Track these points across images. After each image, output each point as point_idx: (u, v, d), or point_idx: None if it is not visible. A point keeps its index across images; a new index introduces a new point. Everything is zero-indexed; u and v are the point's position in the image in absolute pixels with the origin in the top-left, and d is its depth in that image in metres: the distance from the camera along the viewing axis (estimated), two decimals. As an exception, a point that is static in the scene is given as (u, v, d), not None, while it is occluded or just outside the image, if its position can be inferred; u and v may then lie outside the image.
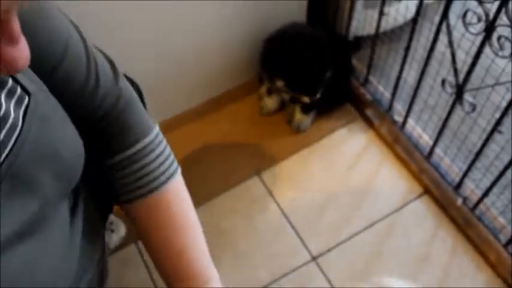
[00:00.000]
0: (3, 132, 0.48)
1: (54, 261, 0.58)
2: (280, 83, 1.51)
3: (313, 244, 1.46)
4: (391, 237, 1.47)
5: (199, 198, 1.54)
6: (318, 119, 1.70)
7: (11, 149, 0.49)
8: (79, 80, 0.62)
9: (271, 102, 1.69)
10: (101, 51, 0.68)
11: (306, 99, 1.54)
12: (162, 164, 0.70)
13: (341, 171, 1.60)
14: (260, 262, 1.43)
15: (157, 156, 0.70)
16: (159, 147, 0.71)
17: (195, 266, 0.73)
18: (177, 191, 0.73)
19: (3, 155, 0.48)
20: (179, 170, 0.74)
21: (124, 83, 0.69)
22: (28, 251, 0.53)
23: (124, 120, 0.68)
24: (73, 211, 0.65)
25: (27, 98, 0.52)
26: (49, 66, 0.58)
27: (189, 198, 0.76)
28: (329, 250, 1.45)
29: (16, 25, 0.35)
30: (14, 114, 0.50)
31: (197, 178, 1.60)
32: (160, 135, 0.73)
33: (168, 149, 0.73)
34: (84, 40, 0.64)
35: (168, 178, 0.71)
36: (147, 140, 0.70)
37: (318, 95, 1.52)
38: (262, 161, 1.63)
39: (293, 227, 1.49)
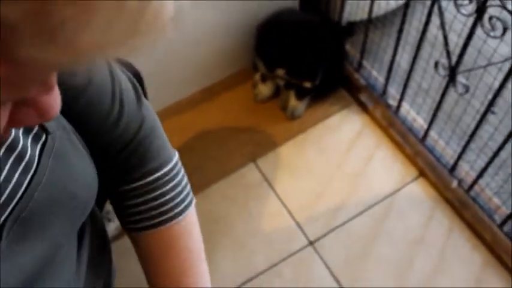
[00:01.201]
0: (20, 169, 0.46)
1: None
2: (280, 72, 1.51)
3: (309, 229, 1.47)
4: (387, 220, 1.48)
5: (195, 187, 1.53)
6: (312, 105, 1.70)
7: (25, 190, 0.46)
8: (102, 110, 0.58)
9: (265, 89, 1.69)
10: (125, 71, 0.63)
11: (308, 84, 1.54)
12: (178, 194, 0.66)
13: (336, 156, 1.60)
14: (257, 248, 1.44)
15: (175, 186, 0.66)
16: (177, 176, 0.66)
17: None
18: (189, 225, 0.69)
19: (17, 197, 0.46)
20: (194, 201, 0.70)
21: (146, 109, 0.64)
22: None
23: (145, 149, 0.63)
24: (80, 243, 0.62)
25: (44, 135, 0.49)
26: (70, 96, 0.53)
27: (199, 232, 0.71)
28: (326, 234, 1.46)
29: (54, 75, 0.33)
30: (31, 152, 0.48)
31: (193, 166, 1.60)
32: (180, 164, 0.68)
33: (186, 179, 0.68)
34: (109, 64, 0.58)
35: (183, 210, 0.67)
36: (166, 169, 0.65)
37: (318, 80, 1.53)
38: (258, 148, 1.64)
39: (289, 213, 1.50)
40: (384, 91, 1.63)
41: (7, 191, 0.45)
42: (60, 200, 0.50)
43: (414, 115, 1.59)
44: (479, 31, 1.17)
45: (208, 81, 1.74)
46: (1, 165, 0.45)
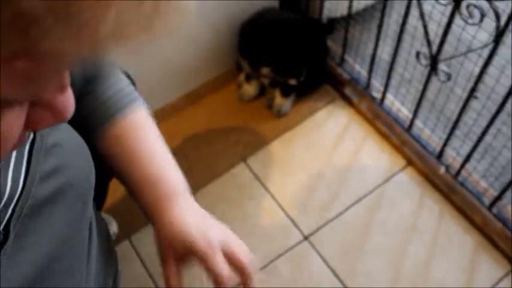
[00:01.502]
0: (11, 168, 0.47)
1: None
2: (265, 70, 1.53)
3: (304, 223, 1.49)
4: (379, 210, 1.51)
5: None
6: (298, 102, 1.72)
7: (22, 188, 0.47)
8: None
9: (251, 89, 1.71)
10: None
11: (293, 81, 1.56)
12: (119, 91, 0.72)
13: (325, 150, 1.62)
14: (254, 246, 1.44)
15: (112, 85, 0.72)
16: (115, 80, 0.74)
17: (163, 173, 0.72)
18: (140, 119, 0.73)
19: (17, 195, 0.47)
20: (140, 103, 0.75)
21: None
22: None
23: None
24: (89, 240, 0.62)
25: (32, 134, 0.50)
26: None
27: (153, 125, 0.75)
28: (320, 228, 1.48)
29: (67, 73, 0.33)
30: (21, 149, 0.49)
31: (184, 170, 1.60)
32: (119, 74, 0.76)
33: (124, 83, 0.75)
34: None
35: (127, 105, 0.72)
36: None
37: (303, 77, 1.55)
38: (247, 147, 1.65)
39: (283, 209, 1.52)
40: (368, 84, 1.66)
41: (7, 191, 0.46)
42: (58, 192, 0.51)
43: (399, 106, 1.62)
44: (457, 19, 1.21)
45: (192, 84, 1.74)
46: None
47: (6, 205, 0.46)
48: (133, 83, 0.87)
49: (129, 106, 0.72)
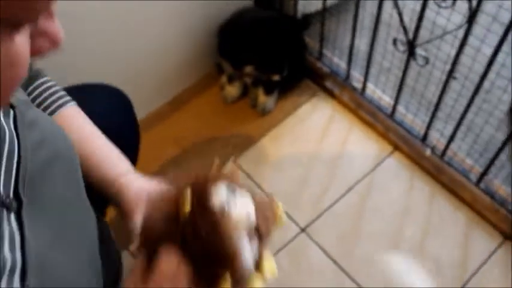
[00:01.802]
0: (7, 141, 0.53)
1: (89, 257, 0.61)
2: (249, 69, 1.55)
3: (299, 216, 1.51)
4: (371, 196, 1.54)
5: (182, 194, 1.57)
6: (281, 99, 1.75)
7: (19, 154, 0.53)
8: None
9: (234, 90, 1.73)
10: None
11: (276, 77, 1.59)
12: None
13: (312, 143, 1.65)
14: (253, 243, 1.47)
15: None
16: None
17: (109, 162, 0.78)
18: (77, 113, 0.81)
19: (15, 159, 0.52)
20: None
21: None
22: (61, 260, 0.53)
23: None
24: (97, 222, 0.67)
25: (12, 111, 0.57)
26: None
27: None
28: (315, 219, 1.51)
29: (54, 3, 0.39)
30: (8, 126, 0.54)
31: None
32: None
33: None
34: None
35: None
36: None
37: (286, 71, 1.58)
38: (235, 148, 1.67)
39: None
40: (348, 75, 1.70)
41: (4, 153, 0.52)
42: (51, 160, 0.57)
43: (380, 94, 1.66)
44: (431, 4, 1.25)
45: (174, 91, 1.75)
46: None
47: (8, 171, 0.51)
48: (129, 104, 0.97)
49: (68, 102, 0.81)
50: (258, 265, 0.62)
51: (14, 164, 0.52)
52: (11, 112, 0.56)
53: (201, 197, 0.58)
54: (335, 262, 1.43)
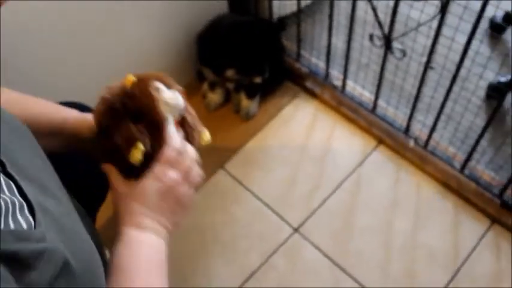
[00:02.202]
0: None
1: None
2: (230, 73, 1.56)
3: (291, 217, 1.52)
4: (360, 191, 1.56)
5: (173, 204, 1.57)
6: (264, 103, 1.76)
7: None
8: None
9: (216, 97, 1.74)
10: None
11: (258, 79, 1.60)
12: None
13: (298, 143, 1.67)
14: (248, 247, 1.48)
15: None
16: None
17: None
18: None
19: None
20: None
21: None
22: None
23: None
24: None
25: None
26: None
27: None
28: (307, 218, 1.52)
29: None
30: None
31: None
32: None
33: None
34: None
35: None
36: None
37: (267, 73, 1.59)
38: (222, 154, 1.68)
39: (269, 207, 1.55)
40: (327, 74, 1.72)
41: None
42: (10, 134, 0.60)
43: (360, 90, 1.68)
44: (403, -2, 1.28)
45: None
46: None
47: None
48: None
49: None
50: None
51: None
52: None
53: (142, 80, 0.77)
54: (330, 259, 1.44)
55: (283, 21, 1.76)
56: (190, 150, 0.80)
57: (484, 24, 1.79)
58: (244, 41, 1.53)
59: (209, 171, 1.64)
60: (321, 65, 1.74)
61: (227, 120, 1.75)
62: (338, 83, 1.70)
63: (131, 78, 0.78)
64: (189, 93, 1.80)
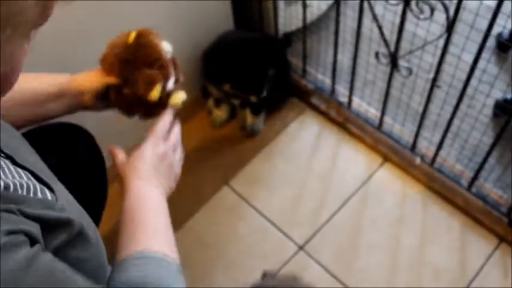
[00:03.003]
0: None
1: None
2: (227, 87, 1.56)
3: (296, 234, 1.51)
4: (366, 208, 1.55)
5: (178, 222, 1.56)
6: (269, 119, 1.76)
7: None
8: None
9: (221, 113, 1.74)
10: None
11: (254, 99, 1.60)
12: None
13: (303, 160, 1.66)
14: (252, 265, 1.47)
15: None
16: None
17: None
18: None
19: None
20: None
21: None
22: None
23: None
24: None
25: None
26: None
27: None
28: (313, 236, 1.51)
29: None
30: None
31: (169, 204, 1.61)
32: None
33: None
34: None
35: None
36: None
37: (264, 93, 1.58)
38: (227, 170, 1.67)
39: (273, 224, 1.54)
40: (333, 90, 1.72)
41: None
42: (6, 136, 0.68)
43: (366, 106, 1.68)
44: (410, 16, 1.28)
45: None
46: None
47: None
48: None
49: None
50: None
51: None
52: None
53: (143, 34, 0.95)
54: (336, 278, 1.43)
55: (289, 37, 1.77)
56: (177, 131, 0.95)
57: (491, 43, 1.79)
58: (243, 57, 1.52)
59: (214, 188, 1.64)
60: (327, 81, 1.74)
61: (232, 137, 1.75)
62: (344, 99, 1.70)
63: (133, 33, 0.95)
64: (195, 109, 1.82)
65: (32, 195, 0.56)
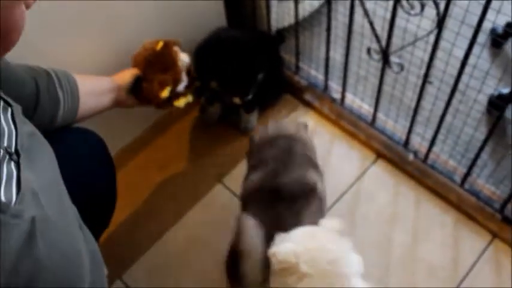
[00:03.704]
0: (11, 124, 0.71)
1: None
2: (214, 84, 1.55)
3: (289, 232, 1.51)
4: (359, 205, 1.55)
5: (172, 219, 1.57)
6: (262, 116, 1.76)
7: (16, 137, 0.69)
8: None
9: (214, 111, 1.73)
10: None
11: (237, 101, 1.58)
12: None
13: (297, 157, 1.65)
14: (245, 262, 1.46)
15: None
16: None
17: None
18: None
19: (14, 140, 0.69)
20: None
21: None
22: None
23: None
24: None
25: (9, 108, 0.73)
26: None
27: None
28: (306, 233, 1.50)
29: None
30: (5, 121, 0.71)
31: (164, 201, 1.62)
32: None
33: None
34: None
35: None
36: None
37: (250, 96, 1.57)
38: (221, 168, 1.67)
39: (267, 221, 1.53)
40: (326, 87, 1.71)
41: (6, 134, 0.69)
42: (35, 144, 0.75)
43: (359, 102, 1.67)
44: (400, 12, 1.27)
45: (155, 116, 1.75)
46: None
47: (10, 138, 0.69)
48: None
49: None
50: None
51: (13, 136, 0.69)
52: (9, 109, 0.72)
53: (167, 44, 1.31)
54: (328, 274, 1.43)
55: (281, 33, 1.76)
56: None
57: (483, 38, 1.78)
58: (234, 56, 1.50)
59: (207, 186, 1.63)
60: (320, 77, 1.73)
61: (226, 134, 1.75)
62: (337, 95, 1.70)
63: (161, 43, 1.30)
64: (187, 107, 1.81)
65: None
